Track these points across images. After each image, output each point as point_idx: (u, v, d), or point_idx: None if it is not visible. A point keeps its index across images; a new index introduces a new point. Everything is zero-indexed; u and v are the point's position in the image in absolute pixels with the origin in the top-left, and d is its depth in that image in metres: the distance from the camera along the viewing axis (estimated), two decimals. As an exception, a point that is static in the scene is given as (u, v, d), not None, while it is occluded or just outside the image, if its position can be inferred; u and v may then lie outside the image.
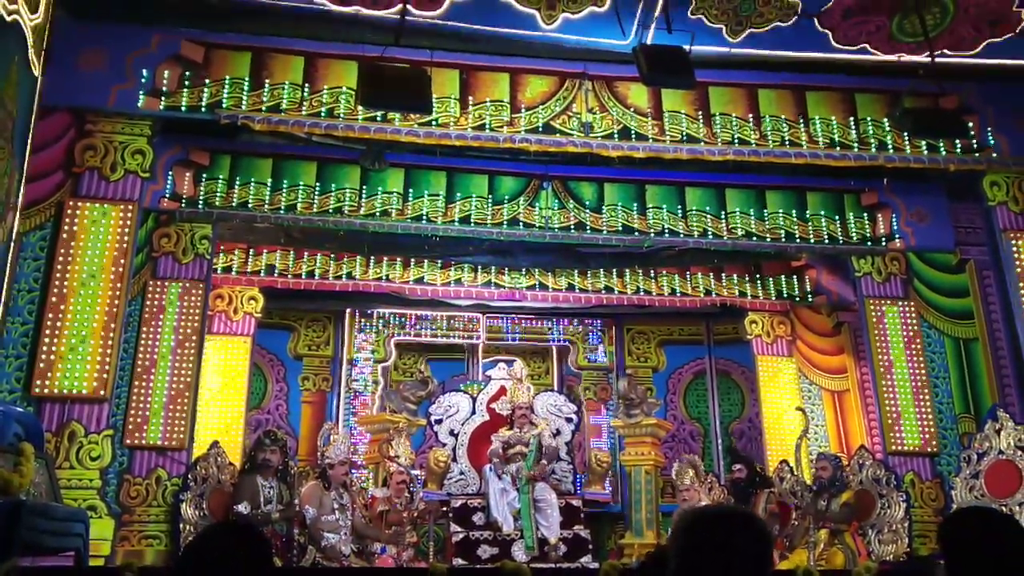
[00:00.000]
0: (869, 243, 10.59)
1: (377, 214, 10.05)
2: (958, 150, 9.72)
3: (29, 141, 7.45)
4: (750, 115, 9.72)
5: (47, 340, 8.27)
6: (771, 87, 9.85)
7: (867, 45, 9.22)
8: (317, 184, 9.96)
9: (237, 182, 9.78)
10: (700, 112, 9.66)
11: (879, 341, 10.28)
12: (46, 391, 8.20)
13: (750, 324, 12.37)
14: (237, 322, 11.22)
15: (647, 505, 10.42)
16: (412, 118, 9.02)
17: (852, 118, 9.82)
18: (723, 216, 10.50)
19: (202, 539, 2.50)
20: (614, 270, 11.86)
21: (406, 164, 10.17)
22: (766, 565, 2.03)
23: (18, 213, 7.43)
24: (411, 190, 10.16)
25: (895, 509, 9.17)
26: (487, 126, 9.35)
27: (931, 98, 9.05)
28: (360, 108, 8.94)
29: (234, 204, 9.73)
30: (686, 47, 7.65)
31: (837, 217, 10.63)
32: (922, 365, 10.19)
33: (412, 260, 11.55)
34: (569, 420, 11.00)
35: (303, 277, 11.24)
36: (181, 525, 8.34)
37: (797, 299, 12.03)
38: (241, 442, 10.45)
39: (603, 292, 11.89)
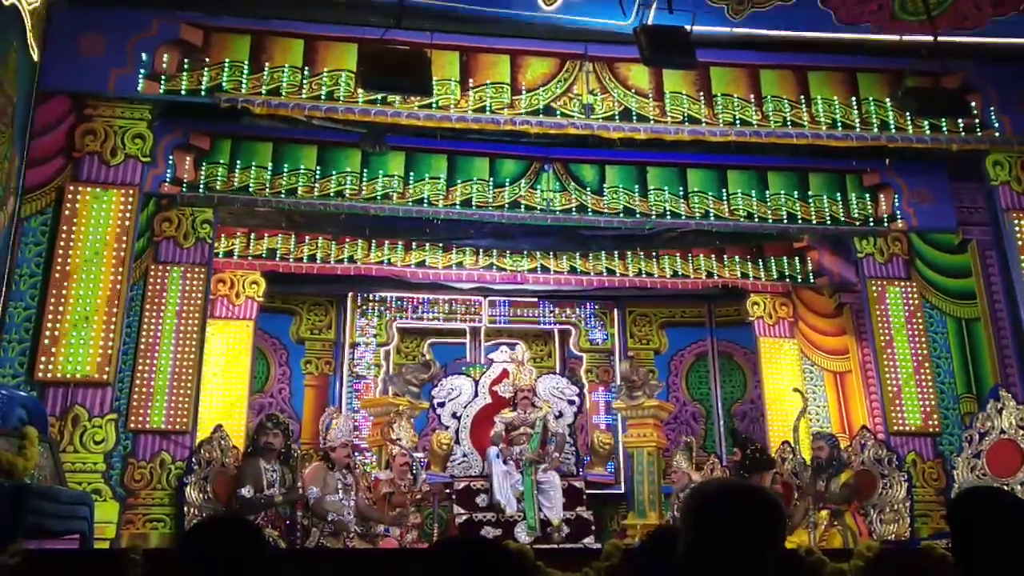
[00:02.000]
0: (871, 224, 10.56)
1: (378, 197, 10.03)
2: (960, 130, 9.68)
3: (29, 126, 7.45)
4: (752, 95, 9.68)
5: (50, 324, 8.30)
6: (773, 67, 9.80)
7: (869, 24, 9.18)
8: (318, 168, 9.95)
9: (238, 166, 9.76)
10: (701, 93, 9.62)
11: (881, 322, 10.28)
12: (49, 375, 8.24)
13: (752, 305, 12.36)
14: (239, 306, 11.23)
15: (649, 486, 10.45)
16: (412, 101, 8.99)
17: (854, 98, 9.78)
18: (725, 197, 10.48)
19: (190, 537, 2.53)
20: (616, 252, 11.85)
21: (407, 147, 10.14)
22: (778, 542, 2.02)
23: (19, 198, 7.43)
24: (412, 173, 10.14)
25: (897, 489, 9.19)
26: (488, 108, 9.32)
27: (933, 77, 9.01)
28: (360, 91, 8.92)
29: (235, 188, 9.71)
30: (687, 27, 7.61)
31: (839, 198, 10.60)
32: (924, 345, 10.19)
33: (413, 243, 11.56)
34: (571, 402, 11.02)
35: (304, 261, 11.26)
36: (185, 508, 8.36)
37: (799, 280, 12.03)
38: (244, 425, 10.48)
39: (605, 274, 11.89)
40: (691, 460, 9.94)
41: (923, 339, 10.22)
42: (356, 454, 10.08)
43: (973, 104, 9.24)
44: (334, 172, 9.96)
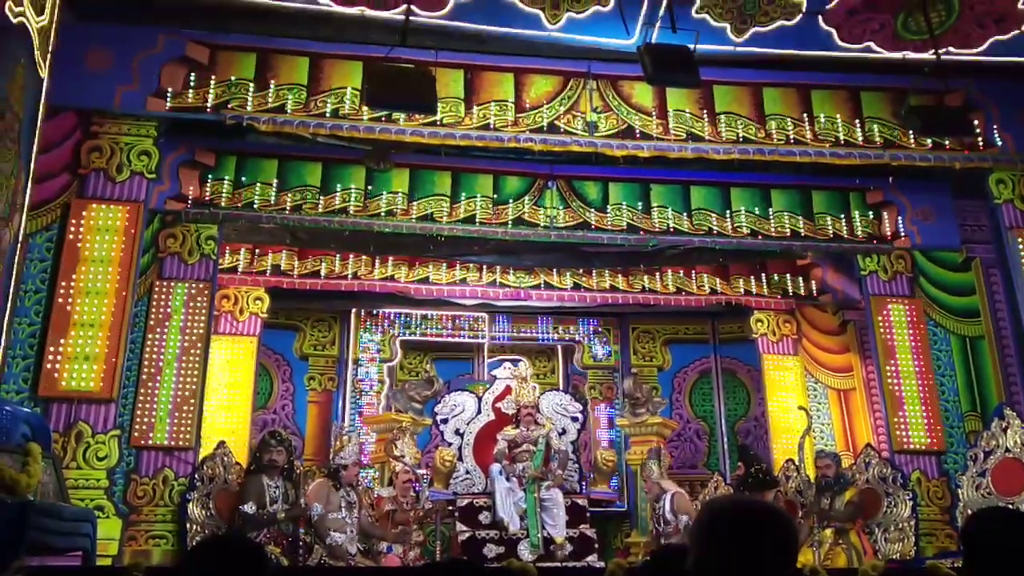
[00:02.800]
0: (875, 241, 10.57)
1: (382, 214, 10.06)
2: (964, 148, 9.70)
3: (35, 142, 7.47)
4: (755, 114, 9.71)
5: (54, 341, 8.30)
6: (776, 86, 9.84)
7: (872, 43, 9.22)
8: (322, 184, 9.98)
9: (243, 183, 9.80)
10: (705, 111, 9.65)
11: (885, 339, 10.27)
12: (53, 391, 8.24)
13: (756, 323, 12.33)
14: (243, 322, 11.23)
15: (653, 504, 10.41)
16: (417, 118, 9.03)
17: (857, 116, 9.81)
18: (728, 215, 10.50)
19: (193, 555, 2.54)
20: (619, 269, 11.85)
21: (411, 164, 10.18)
22: (789, 560, 2.01)
23: (25, 214, 7.44)
24: (416, 190, 10.18)
25: (901, 507, 9.16)
26: (492, 126, 9.36)
27: (936, 96, 9.03)
28: (365, 108, 8.96)
29: (240, 205, 9.75)
30: (691, 46, 7.65)
31: (843, 215, 10.61)
32: (928, 363, 10.17)
33: (417, 260, 11.57)
34: (575, 419, 11.01)
35: (309, 277, 11.26)
36: (188, 525, 8.35)
37: (803, 298, 12.01)
38: (248, 442, 10.45)
39: (608, 291, 11.89)
40: (661, 467, 9.86)
41: (927, 357, 10.20)
42: (360, 471, 10.05)
43: (976, 122, 9.27)
44: (338, 189, 9.99)
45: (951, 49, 9.02)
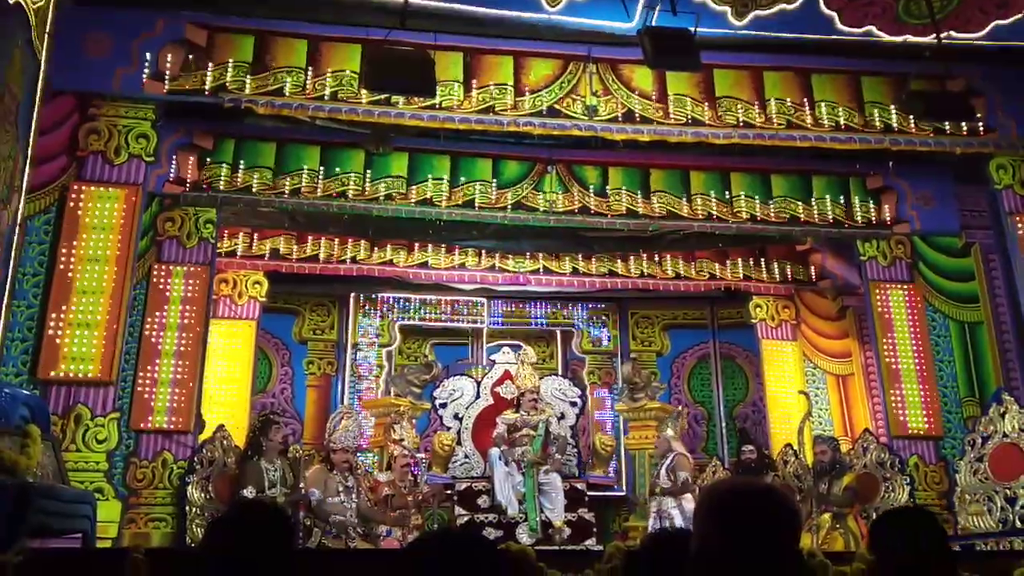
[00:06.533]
0: (874, 226, 10.55)
1: (381, 198, 10.03)
2: (964, 133, 9.67)
3: (34, 125, 7.44)
4: (755, 98, 9.66)
5: (52, 323, 8.30)
6: (776, 70, 9.79)
7: (873, 27, 9.17)
8: (321, 168, 9.94)
9: (241, 166, 9.75)
10: (705, 95, 9.61)
11: (883, 325, 10.27)
12: (52, 374, 8.25)
13: (754, 308, 12.32)
14: (242, 306, 11.22)
15: (651, 488, 10.43)
16: (416, 101, 8.99)
17: (858, 101, 9.76)
18: (728, 200, 10.46)
19: (235, 513, 2.52)
20: (618, 254, 11.84)
21: (410, 148, 10.14)
22: (793, 543, 2.01)
23: (23, 196, 7.43)
24: (415, 174, 10.14)
25: (899, 492, 9.19)
26: (491, 109, 9.31)
27: (937, 81, 8.99)
28: (364, 91, 8.91)
29: (238, 188, 9.71)
30: (691, 29, 7.61)
31: (842, 201, 10.58)
32: (927, 349, 10.19)
33: (416, 244, 11.54)
34: (574, 404, 11.02)
35: (307, 261, 11.24)
36: (187, 508, 8.38)
37: (802, 283, 12.02)
38: (247, 425, 10.47)
39: (607, 276, 11.87)
40: (677, 430, 9.91)
41: (926, 342, 10.22)
42: (359, 455, 10.06)
43: (977, 107, 9.23)
44: (337, 172, 9.95)
45: (952, 33, 8.98)
